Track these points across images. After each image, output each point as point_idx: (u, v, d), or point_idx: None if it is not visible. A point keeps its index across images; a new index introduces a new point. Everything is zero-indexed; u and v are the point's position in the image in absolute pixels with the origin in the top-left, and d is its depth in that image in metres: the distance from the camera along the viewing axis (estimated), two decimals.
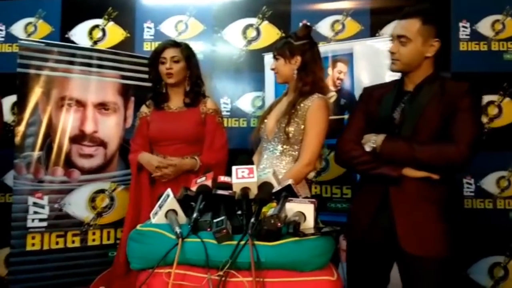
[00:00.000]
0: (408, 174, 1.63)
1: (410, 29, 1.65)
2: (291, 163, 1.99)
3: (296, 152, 1.99)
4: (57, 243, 2.54)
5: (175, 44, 2.30)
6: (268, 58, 2.75)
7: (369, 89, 1.90)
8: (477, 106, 1.66)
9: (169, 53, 2.25)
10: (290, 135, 1.96)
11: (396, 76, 1.81)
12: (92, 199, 2.64)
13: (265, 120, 2.12)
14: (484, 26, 3.08)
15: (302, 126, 1.96)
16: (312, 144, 1.94)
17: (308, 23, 3.03)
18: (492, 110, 3.05)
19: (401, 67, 1.71)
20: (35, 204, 2.50)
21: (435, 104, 1.63)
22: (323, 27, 3.16)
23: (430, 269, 1.59)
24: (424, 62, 1.69)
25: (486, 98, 3.05)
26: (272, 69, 2.10)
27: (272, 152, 2.03)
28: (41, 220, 2.51)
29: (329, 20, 3.16)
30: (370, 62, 2.63)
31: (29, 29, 3.19)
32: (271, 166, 1.94)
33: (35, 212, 2.50)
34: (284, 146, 2.00)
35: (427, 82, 1.69)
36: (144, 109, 2.36)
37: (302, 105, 1.97)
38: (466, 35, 3.08)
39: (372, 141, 1.67)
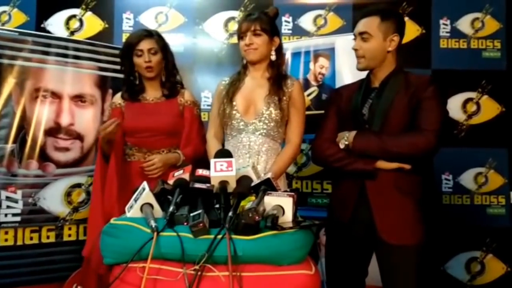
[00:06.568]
0: (381, 166, 1.70)
1: (370, 26, 1.76)
2: (272, 143, 1.99)
3: (275, 133, 1.99)
4: (31, 238, 2.46)
5: (149, 34, 2.21)
6: None
7: (337, 90, 2.03)
8: (440, 94, 1.73)
9: (145, 45, 2.16)
10: (278, 117, 1.96)
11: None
12: (68, 194, 2.57)
13: (234, 103, 2.00)
14: (464, 24, 3.11)
15: (284, 107, 1.98)
16: (301, 125, 2.01)
17: (290, 17, 3.09)
18: (471, 107, 3.09)
19: (366, 63, 1.80)
20: (8, 198, 2.41)
21: (401, 96, 1.72)
22: (306, 21, 3.14)
23: (409, 257, 1.66)
24: (387, 57, 1.79)
25: (465, 95, 3.08)
26: (250, 44, 1.96)
27: (257, 135, 1.97)
28: (14, 215, 2.43)
29: (311, 14, 3.14)
30: (352, 57, 2.54)
31: (3, 18, 3.08)
32: (268, 149, 1.96)
33: (8, 207, 2.41)
34: (270, 127, 1.97)
35: (391, 77, 1.78)
36: (117, 99, 2.28)
37: (287, 86, 2.00)
38: (447, 32, 3.10)
39: (344, 138, 1.74)
